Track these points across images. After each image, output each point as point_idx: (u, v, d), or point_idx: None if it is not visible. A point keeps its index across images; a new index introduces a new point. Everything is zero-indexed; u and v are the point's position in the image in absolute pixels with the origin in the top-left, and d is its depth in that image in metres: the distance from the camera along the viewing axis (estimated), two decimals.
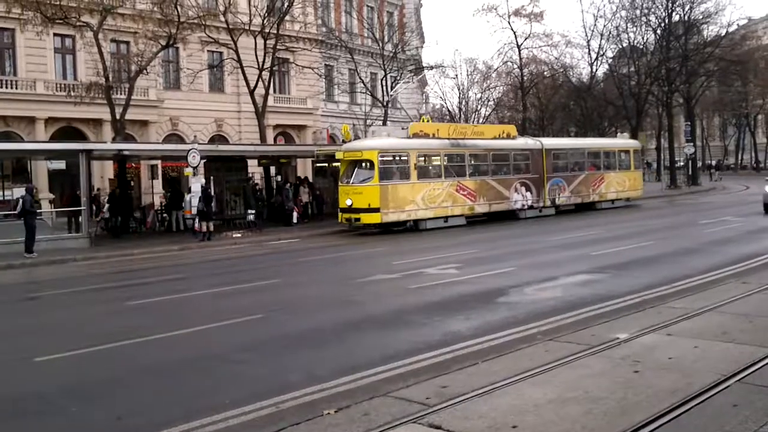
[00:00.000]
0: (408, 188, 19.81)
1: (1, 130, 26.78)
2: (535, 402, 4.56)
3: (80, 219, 18.94)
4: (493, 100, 44.31)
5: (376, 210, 19.07)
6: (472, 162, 22.14)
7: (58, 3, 21.20)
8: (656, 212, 25.28)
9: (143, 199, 28.60)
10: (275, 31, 25.72)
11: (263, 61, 25.59)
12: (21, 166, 26.63)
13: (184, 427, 4.72)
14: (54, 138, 27.08)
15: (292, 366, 6.21)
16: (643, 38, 41.79)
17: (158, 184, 28.19)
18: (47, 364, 6.65)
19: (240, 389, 5.50)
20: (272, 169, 26.65)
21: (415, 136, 20.76)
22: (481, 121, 43.72)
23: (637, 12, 40.36)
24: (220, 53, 30.21)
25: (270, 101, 29.36)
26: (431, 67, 41.26)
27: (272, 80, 28.49)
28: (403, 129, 22.03)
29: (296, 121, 36.17)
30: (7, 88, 26.58)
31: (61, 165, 26.25)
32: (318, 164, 27.89)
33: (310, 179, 27.71)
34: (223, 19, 25.05)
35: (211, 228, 19.48)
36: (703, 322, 6.66)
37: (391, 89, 34.39)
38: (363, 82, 34.58)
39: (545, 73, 42.11)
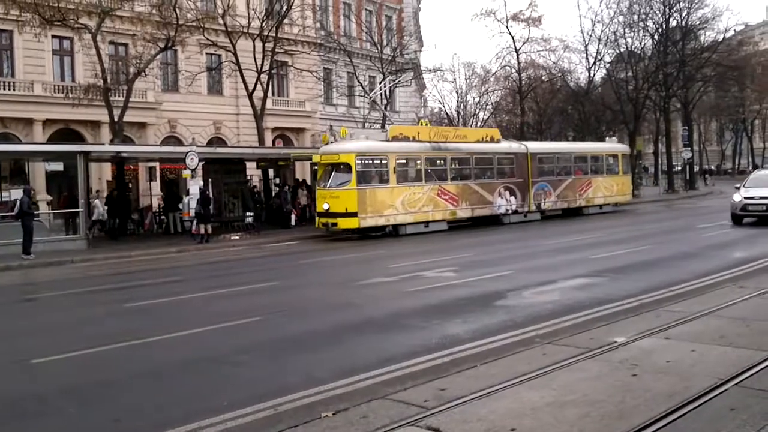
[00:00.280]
0: (387, 192, 19.40)
1: None
2: (533, 405, 4.56)
3: (78, 221, 18.92)
4: (491, 104, 44.42)
5: (354, 215, 18.66)
6: (454, 166, 21.67)
7: (56, 5, 21.17)
8: (654, 216, 25.33)
9: (141, 201, 28.59)
10: (274, 34, 25.74)
11: (262, 64, 25.62)
12: (19, 167, 26.56)
13: (182, 429, 4.72)
14: (52, 139, 27.06)
15: (291, 368, 6.20)
16: (640, 43, 41.97)
17: (156, 186, 28.17)
18: (45, 366, 6.63)
19: (238, 391, 5.50)
20: (270, 172, 26.66)
21: (395, 139, 20.37)
22: (479, 124, 43.77)
23: (635, 17, 40.53)
24: (219, 56, 30.22)
25: (268, 104, 29.38)
26: (429, 71, 41.31)
27: (271, 83, 28.52)
28: (382, 132, 21.53)
29: (295, 124, 36.21)
30: (4, 89, 26.54)
31: (58, 167, 26.21)
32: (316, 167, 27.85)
33: (309, 182, 27.72)
34: (221, 21, 25.06)
35: (209, 230, 19.48)
36: (700, 326, 6.68)
37: (390, 93, 34.45)
38: (361, 85, 34.61)
39: (543, 77, 42.18)
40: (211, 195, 20.60)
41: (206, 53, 31.49)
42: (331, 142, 20.39)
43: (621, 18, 40.10)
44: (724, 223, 18.62)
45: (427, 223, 20.41)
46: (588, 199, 26.12)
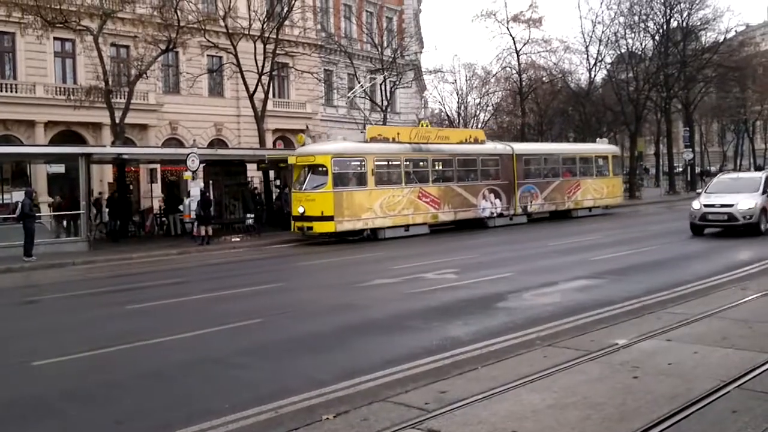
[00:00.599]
0: (365, 195, 19.00)
1: (0, 133, 26.79)
2: (534, 407, 4.56)
3: (79, 222, 18.93)
4: (492, 105, 44.37)
5: (330, 218, 18.22)
6: (436, 167, 21.28)
7: (58, 7, 21.22)
8: (656, 218, 25.30)
9: (142, 202, 28.61)
10: (275, 36, 25.79)
11: (263, 66, 25.65)
12: (20, 169, 26.64)
13: (184, 431, 4.71)
14: (53, 142, 27.11)
15: (292, 370, 6.20)
16: (641, 44, 41.89)
17: (157, 188, 28.21)
18: (46, 368, 6.63)
19: (239, 393, 5.50)
20: (271, 173, 26.67)
21: (373, 140, 19.96)
22: (479, 126, 43.73)
23: (636, 18, 40.48)
24: (220, 57, 30.26)
25: (269, 106, 29.41)
26: (430, 72, 41.32)
27: (272, 85, 28.54)
28: (361, 132, 20.95)
29: (295, 126, 36.18)
30: (6, 91, 26.62)
31: (60, 169, 26.26)
32: None
33: None
34: (222, 23, 25.10)
35: (210, 232, 19.49)
36: (702, 328, 6.67)
37: (390, 94, 34.46)
38: (362, 86, 34.61)
39: (544, 78, 42.13)
40: (211, 197, 20.62)
41: (207, 55, 31.55)
42: (308, 143, 20.10)
43: (622, 19, 40.08)
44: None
45: (407, 227, 20.00)
46: (577, 201, 25.73)
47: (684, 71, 40.98)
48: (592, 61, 40.43)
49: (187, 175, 20.61)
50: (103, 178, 28.21)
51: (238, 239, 20.36)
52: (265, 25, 25.66)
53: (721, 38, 41.20)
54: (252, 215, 22.07)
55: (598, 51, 40.01)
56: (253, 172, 27.02)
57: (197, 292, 11.15)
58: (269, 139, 32.85)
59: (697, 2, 39.90)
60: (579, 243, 16.40)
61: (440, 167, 21.56)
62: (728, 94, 50.57)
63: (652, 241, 15.82)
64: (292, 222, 19.38)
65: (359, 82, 34.06)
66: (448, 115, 43.98)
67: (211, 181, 22.29)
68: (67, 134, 28.22)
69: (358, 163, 19.27)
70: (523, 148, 25.62)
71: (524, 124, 40.66)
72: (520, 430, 4.18)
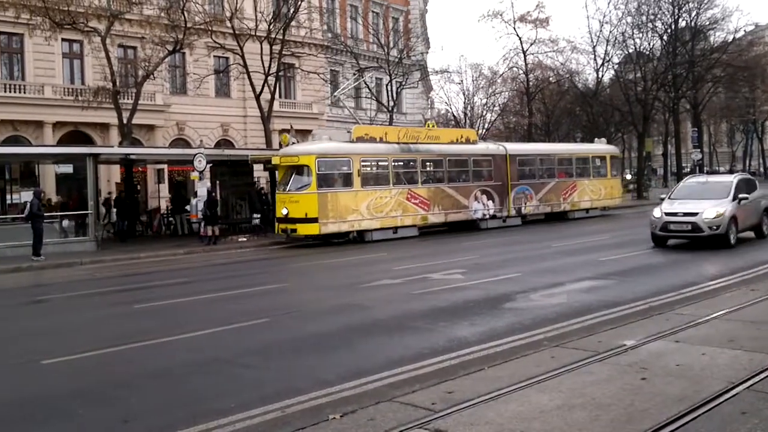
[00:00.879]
0: (350, 196, 18.55)
1: (9, 134, 26.98)
2: (541, 408, 4.54)
3: (87, 222, 19.03)
4: (499, 105, 44.29)
5: (314, 220, 17.78)
6: (426, 168, 20.86)
7: (66, 8, 21.36)
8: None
9: (150, 203, 28.74)
10: (281, 37, 25.84)
11: (269, 67, 25.70)
12: (29, 169, 26.79)
13: (190, 430, 4.73)
14: (61, 142, 27.27)
15: (298, 370, 6.21)
16: (649, 44, 41.70)
17: (164, 188, 28.32)
18: (54, 367, 6.67)
19: (246, 393, 5.50)
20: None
21: (360, 140, 19.42)
22: (486, 126, 43.67)
23: (643, 18, 40.31)
24: (227, 58, 30.34)
25: (276, 106, 29.47)
26: (436, 72, 41.30)
27: (278, 85, 28.61)
28: (348, 132, 20.19)
29: (302, 126, 36.09)
30: (15, 92, 26.79)
31: (68, 169, 26.40)
32: None
33: None
34: (229, 24, 25.19)
35: (217, 232, 19.55)
36: (710, 330, 6.63)
37: (397, 95, 34.44)
38: (368, 87, 34.65)
39: (551, 78, 42.02)
40: (218, 197, 20.67)
41: (214, 56, 31.64)
42: (292, 143, 19.55)
43: (629, 19, 39.93)
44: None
45: (395, 229, 19.57)
46: (573, 203, 25.21)
47: (692, 71, 40.76)
48: (600, 61, 40.34)
49: (194, 175, 20.68)
50: (110, 178, 28.36)
51: (244, 239, 20.39)
52: (271, 26, 25.72)
53: (730, 38, 41.04)
54: (258, 215, 22.11)
55: (606, 51, 39.92)
56: (259, 173, 27.09)
57: (204, 292, 11.18)
58: (275, 140, 32.87)
59: (705, 2, 39.78)
60: (581, 244, 16.34)
61: (430, 168, 21.16)
62: (737, 94, 50.29)
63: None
64: (276, 224, 18.91)
65: (365, 83, 34.09)
66: (454, 116, 43.96)
67: (218, 182, 22.37)
68: (75, 135, 28.38)
69: (344, 163, 18.81)
70: (517, 148, 25.20)
71: (531, 124, 40.57)
72: (527, 431, 4.16)
